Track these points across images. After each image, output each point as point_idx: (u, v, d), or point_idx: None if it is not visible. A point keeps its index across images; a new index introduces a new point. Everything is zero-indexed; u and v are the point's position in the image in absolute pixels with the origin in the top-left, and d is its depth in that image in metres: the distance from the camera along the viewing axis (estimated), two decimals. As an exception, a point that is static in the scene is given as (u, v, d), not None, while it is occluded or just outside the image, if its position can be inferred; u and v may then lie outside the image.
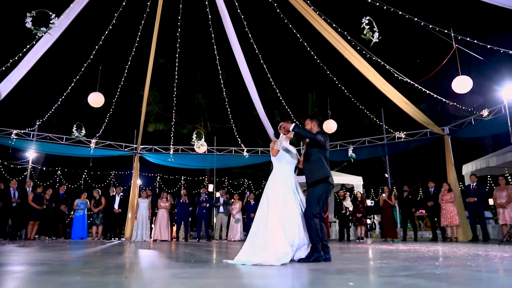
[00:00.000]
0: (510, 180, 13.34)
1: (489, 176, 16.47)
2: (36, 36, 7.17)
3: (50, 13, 6.70)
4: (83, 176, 19.08)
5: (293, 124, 4.50)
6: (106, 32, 9.47)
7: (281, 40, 18.91)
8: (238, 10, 9.95)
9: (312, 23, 9.13)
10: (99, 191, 13.13)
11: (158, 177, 20.30)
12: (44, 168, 19.81)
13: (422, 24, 7.66)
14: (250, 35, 10.42)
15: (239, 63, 12.01)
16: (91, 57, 10.05)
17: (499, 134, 17.77)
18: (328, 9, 9.17)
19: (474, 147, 19.94)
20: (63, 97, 10.96)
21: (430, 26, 7.65)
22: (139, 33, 10.32)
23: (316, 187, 4.38)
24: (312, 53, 10.01)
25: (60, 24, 7.98)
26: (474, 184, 10.53)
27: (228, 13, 10.56)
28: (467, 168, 13.01)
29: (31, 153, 16.69)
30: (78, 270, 3.53)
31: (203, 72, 21.42)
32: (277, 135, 4.84)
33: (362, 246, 8.25)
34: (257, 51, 10.73)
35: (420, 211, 16.65)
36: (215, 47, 11.50)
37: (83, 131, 11.87)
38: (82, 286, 2.57)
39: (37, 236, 11.88)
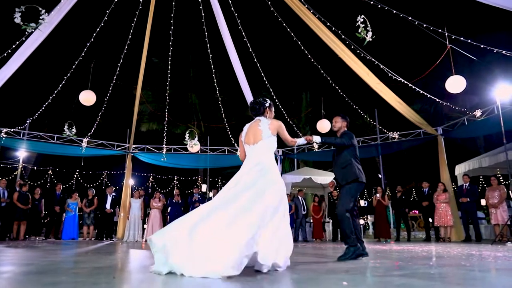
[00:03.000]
0: (502, 180, 13.40)
1: (481, 177, 16.57)
2: (26, 33, 7.04)
3: (40, 9, 6.59)
4: (75, 175, 18.90)
5: (319, 138, 4.53)
6: (98, 29, 9.34)
7: (275, 40, 18.90)
8: (232, 8, 9.88)
9: (306, 21, 9.08)
10: (94, 190, 12.99)
11: (151, 177, 20.17)
12: (35, 168, 19.59)
13: (416, 23, 7.65)
14: (243, 33, 10.35)
15: (233, 63, 11.94)
16: (82, 54, 9.90)
17: (491, 135, 17.95)
18: (323, 7, 9.12)
19: (467, 147, 20.06)
20: (54, 95, 10.79)
21: (424, 25, 7.64)
22: (131, 31, 10.20)
23: (351, 184, 4.65)
24: (306, 52, 9.97)
25: (50, 20, 7.86)
26: (467, 185, 10.55)
27: (222, 11, 10.48)
28: (460, 169, 13.06)
29: (21, 153, 16.50)
30: (65, 271, 3.44)
31: (197, 72, 21.32)
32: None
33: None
34: (250, 50, 10.66)
35: (413, 211, 16.71)
36: (208, 45, 11.41)
37: (74, 130, 11.71)
38: (68, 286, 2.48)
39: (27, 236, 11.69)
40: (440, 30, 7.82)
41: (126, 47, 10.56)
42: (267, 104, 4.00)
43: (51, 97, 10.84)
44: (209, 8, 10.55)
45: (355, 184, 4.66)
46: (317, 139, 4.51)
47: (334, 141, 4.79)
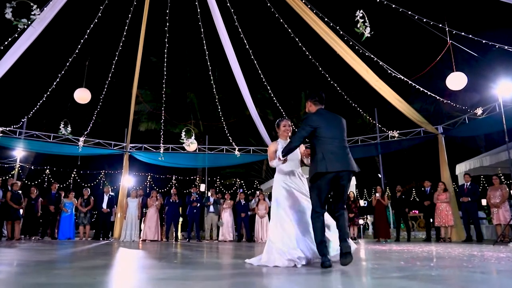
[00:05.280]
0: (503, 180, 13.25)
1: (482, 176, 16.42)
2: (18, 29, 6.88)
3: (32, 4, 6.43)
4: (73, 175, 18.75)
5: (279, 155, 3.89)
6: (92, 26, 9.17)
7: (273, 37, 18.76)
8: (228, 4, 9.72)
9: (304, 17, 8.92)
10: (89, 190, 12.83)
11: (149, 177, 20.02)
12: (32, 167, 19.43)
13: (416, 18, 7.49)
14: (240, 30, 10.20)
15: (231, 62, 11.78)
16: (76, 51, 9.74)
17: (491, 134, 17.77)
18: (320, 2, 8.94)
19: (467, 147, 19.90)
20: (48, 93, 10.62)
21: (424, 20, 7.48)
22: (125, 27, 10.04)
23: (313, 183, 3.74)
24: (303, 48, 9.81)
25: (44, 17, 7.71)
26: (468, 184, 10.38)
27: (218, 8, 10.32)
28: (461, 168, 12.90)
29: (19, 152, 16.34)
30: (49, 271, 3.28)
31: (195, 71, 21.18)
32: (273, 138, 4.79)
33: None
34: (247, 46, 10.51)
35: (413, 211, 16.57)
36: (204, 41, 11.27)
37: (69, 128, 11.56)
38: (45, 289, 2.34)
39: (22, 236, 11.55)
40: (440, 25, 7.65)
41: (121, 43, 10.40)
42: (276, 125, 4.57)
43: (45, 95, 10.67)
44: (206, 5, 10.39)
45: (315, 181, 3.64)
46: (279, 153, 3.90)
47: (289, 148, 3.85)
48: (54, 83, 10.27)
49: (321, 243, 3.54)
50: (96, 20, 9.11)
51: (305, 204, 4.06)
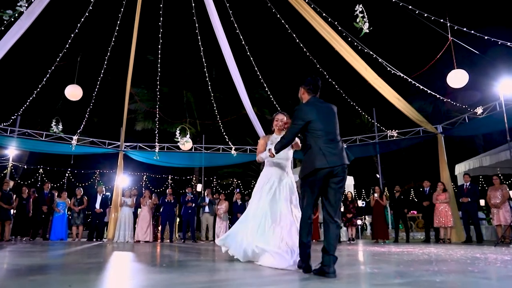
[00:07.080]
0: (503, 180, 13.08)
1: (481, 176, 16.24)
2: (5, 22, 6.63)
3: (17, -5, 6.19)
4: (66, 174, 18.46)
5: (271, 149, 3.77)
6: (83, 20, 8.91)
7: (271, 36, 18.55)
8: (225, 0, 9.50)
9: (301, 12, 8.68)
10: (82, 189, 12.58)
11: (145, 176, 19.75)
12: (25, 167, 19.14)
13: (416, 12, 7.28)
14: (236, 26, 9.98)
15: (227, 60, 11.57)
16: (67, 46, 9.47)
17: (491, 134, 17.61)
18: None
19: (466, 147, 19.74)
20: (39, 90, 10.36)
21: (425, 15, 7.27)
22: (118, 21, 9.79)
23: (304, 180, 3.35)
24: (301, 45, 9.59)
25: (33, 10, 7.46)
26: (468, 184, 10.20)
27: (215, 5, 10.10)
28: (460, 168, 12.73)
29: (11, 151, 16.05)
30: (24, 278, 3.04)
31: (193, 69, 20.94)
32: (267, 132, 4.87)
33: (352, 248, 7.88)
34: (243, 42, 10.30)
35: (411, 212, 16.37)
36: (199, 37, 11.04)
37: (60, 126, 11.30)
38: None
39: (12, 237, 11.28)
40: (442, 20, 7.44)
41: (113, 39, 10.15)
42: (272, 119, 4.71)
43: (35, 92, 10.40)
44: (201, 1, 10.16)
45: (310, 177, 3.27)
46: (271, 148, 3.78)
47: (281, 145, 3.65)
48: (44, 79, 10.00)
49: (303, 246, 3.39)
50: (87, 14, 8.85)
51: (278, 208, 4.29)
